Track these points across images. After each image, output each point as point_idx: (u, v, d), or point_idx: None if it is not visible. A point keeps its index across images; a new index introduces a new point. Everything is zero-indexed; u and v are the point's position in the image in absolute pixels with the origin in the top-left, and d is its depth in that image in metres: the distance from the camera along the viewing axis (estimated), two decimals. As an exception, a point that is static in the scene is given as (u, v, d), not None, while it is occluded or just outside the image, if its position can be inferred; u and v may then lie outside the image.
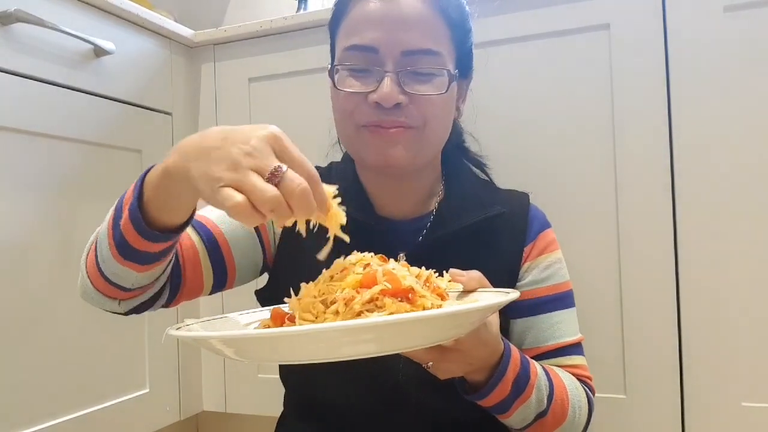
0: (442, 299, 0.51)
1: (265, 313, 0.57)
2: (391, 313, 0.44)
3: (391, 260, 0.53)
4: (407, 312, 0.45)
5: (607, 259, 0.92)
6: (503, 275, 0.70)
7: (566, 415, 0.66)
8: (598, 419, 0.73)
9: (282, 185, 0.42)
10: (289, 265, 0.73)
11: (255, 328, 0.54)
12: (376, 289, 0.46)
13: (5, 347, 0.85)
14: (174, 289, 0.66)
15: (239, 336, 0.41)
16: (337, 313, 0.46)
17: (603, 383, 0.86)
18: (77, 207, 0.96)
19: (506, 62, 0.98)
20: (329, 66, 0.72)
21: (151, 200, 0.52)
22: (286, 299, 0.52)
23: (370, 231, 0.70)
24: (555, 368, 0.69)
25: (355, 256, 0.52)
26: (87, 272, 0.60)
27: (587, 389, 0.71)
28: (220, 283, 0.71)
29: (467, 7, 0.74)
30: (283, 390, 0.81)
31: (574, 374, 0.71)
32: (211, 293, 0.71)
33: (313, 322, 0.46)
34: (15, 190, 0.87)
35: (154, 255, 0.54)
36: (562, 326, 0.72)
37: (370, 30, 0.67)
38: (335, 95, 0.70)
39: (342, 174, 0.77)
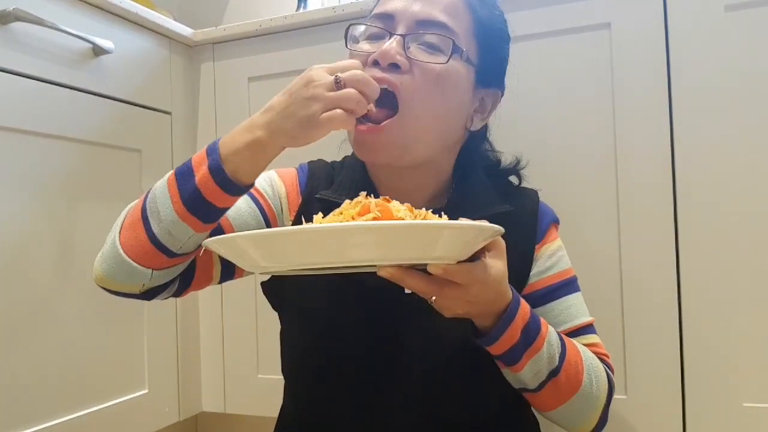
0: None
1: None
2: None
3: (395, 201, 0.55)
4: None
5: (607, 258, 0.92)
6: (513, 273, 0.70)
7: (581, 380, 0.65)
8: (599, 419, 0.73)
9: (349, 83, 0.57)
10: None
11: None
12: (369, 216, 0.51)
13: (5, 347, 0.85)
14: (185, 280, 0.67)
15: (260, 234, 0.48)
16: None
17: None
18: (76, 206, 0.96)
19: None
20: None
21: (235, 166, 0.59)
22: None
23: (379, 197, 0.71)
24: (571, 339, 0.69)
25: (362, 196, 0.57)
26: (121, 241, 0.61)
27: (606, 367, 0.70)
28: (228, 273, 0.72)
29: (505, 19, 0.75)
30: (282, 390, 0.81)
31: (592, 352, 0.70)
32: (220, 282, 0.72)
33: None
34: (14, 189, 0.87)
35: (220, 211, 0.61)
36: (573, 310, 0.73)
37: (394, 1, 0.69)
38: None
39: (351, 167, 0.78)
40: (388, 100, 0.65)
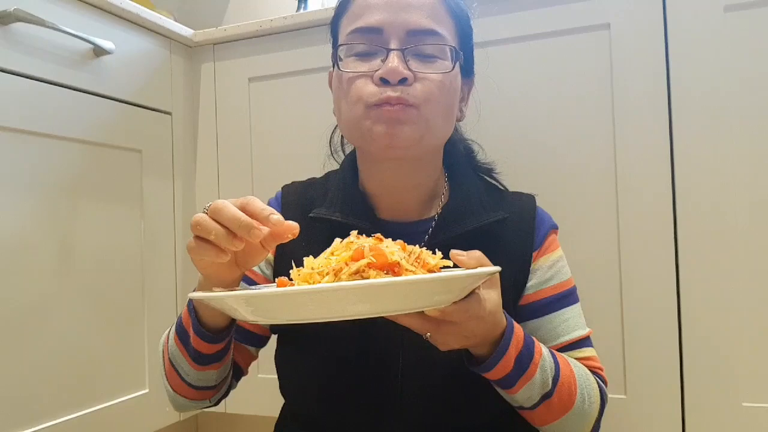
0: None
1: (272, 286, 0.63)
2: None
3: (388, 240, 0.54)
4: None
5: (607, 259, 0.92)
6: (510, 281, 0.69)
7: (574, 400, 0.65)
8: (599, 419, 0.73)
9: (208, 211, 0.53)
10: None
11: None
12: (363, 262, 0.50)
13: (5, 347, 0.85)
14: (236, 373, 0.79)
15: (246, 294, 0.48)
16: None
17: (603, 383, 0.86)
18: (77, 207, 0.96)
19: (506, 62, 0.98)
20: (332, 65, 0.72)
21: (206, 315, 0.64)
22: (290, 271, 0.55)
23: (371, 236, 0.70)
24: (566, 357, 0.69)
25: (353, 236, 0.55)
26: (177, 393, 0.71)
27: (599, 380, 0.70)
28: (262, 341, 0.80)
29: (468, 12, 0.74)
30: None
31: (586, 366, 0.70)
32: (264, 346, 0.81)
33: None
34: (14, 190, 0.87)
35: (223, 350, 0.67)
36: (571, 322, 0.72)
37: (375, 13, 0.67)
38: (339, 84, 0.70)
39: (341, 181, 0.76)
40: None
